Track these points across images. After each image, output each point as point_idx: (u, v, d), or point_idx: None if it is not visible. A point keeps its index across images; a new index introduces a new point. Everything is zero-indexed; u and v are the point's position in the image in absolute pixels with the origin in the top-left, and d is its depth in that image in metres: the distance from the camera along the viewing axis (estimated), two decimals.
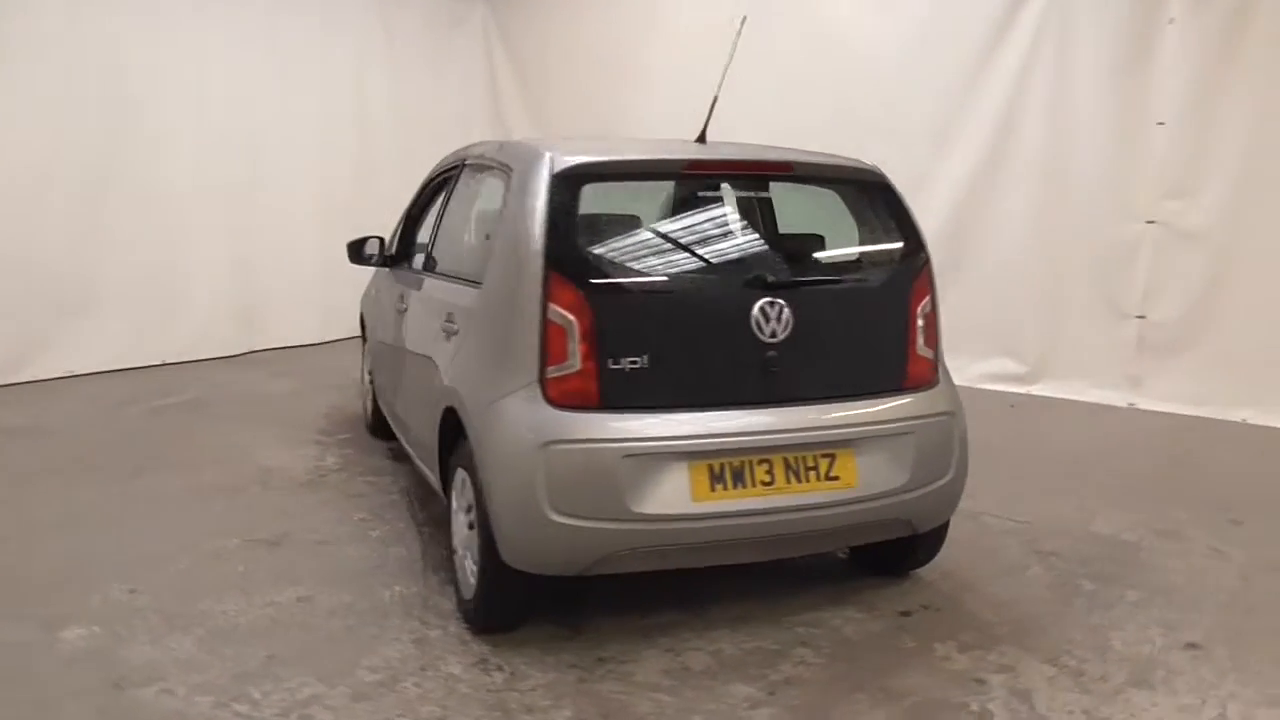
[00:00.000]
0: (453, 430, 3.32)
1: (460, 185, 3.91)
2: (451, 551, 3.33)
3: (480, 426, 2.92)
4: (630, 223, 3.10)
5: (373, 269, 5.44)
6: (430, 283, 3.81)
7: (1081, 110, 6.63)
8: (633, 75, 8.68)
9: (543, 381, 2.84)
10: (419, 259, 4.73)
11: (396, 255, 4.81)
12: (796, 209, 3.48)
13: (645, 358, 2.85)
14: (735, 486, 2.90)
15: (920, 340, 3.24)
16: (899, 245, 3.29)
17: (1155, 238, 6.41)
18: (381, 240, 4.83)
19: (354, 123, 8.68)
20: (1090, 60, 6.56)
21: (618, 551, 2.87)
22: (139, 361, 7.21)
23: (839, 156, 3.40)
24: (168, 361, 7.32)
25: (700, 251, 3.14)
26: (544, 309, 2.84)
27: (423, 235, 4.71)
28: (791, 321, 2.96)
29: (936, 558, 3.62)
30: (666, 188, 3.26)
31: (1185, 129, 6.26)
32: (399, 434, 4.41)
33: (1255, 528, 4.26)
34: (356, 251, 4.83)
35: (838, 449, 3.02)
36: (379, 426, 5.32)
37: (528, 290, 2.87)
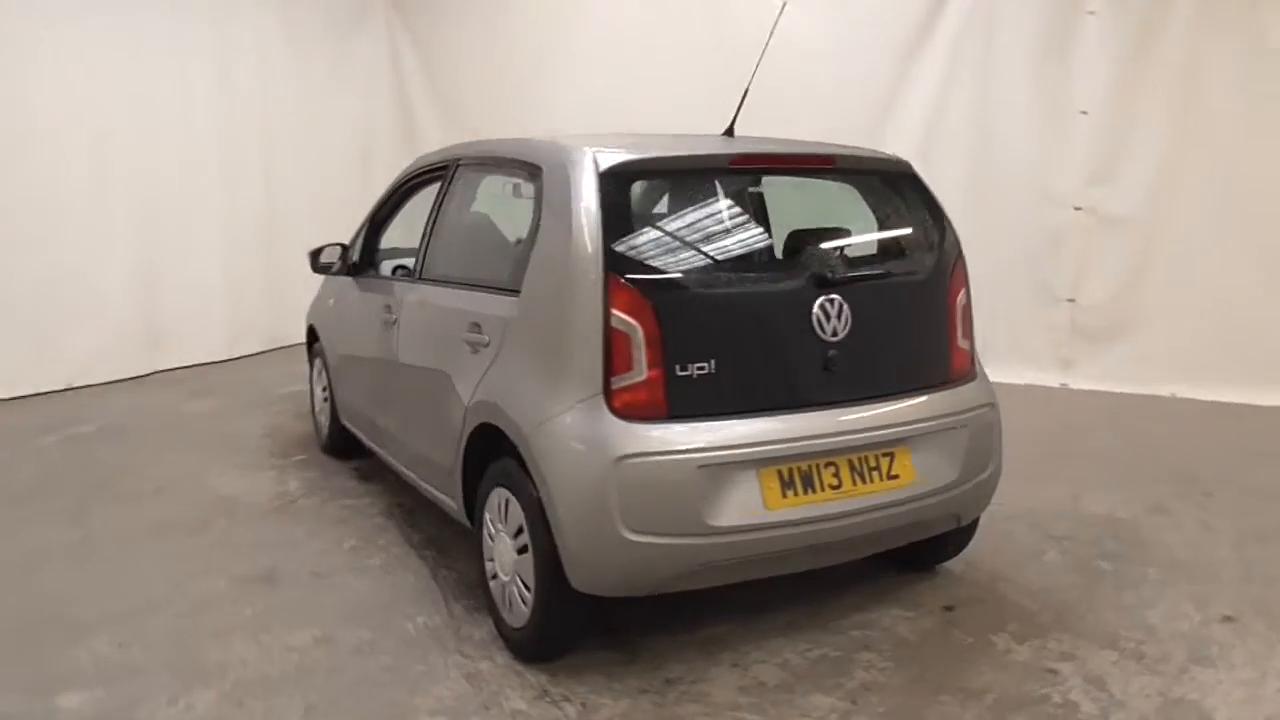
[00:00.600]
0: (483, 449, 3.12)
1: (457, 187, 3.67)
2: (490, 577, 3.11)
3: (539, 444, 2.72)
4: (682, 221, 2.95)
5: (326, 278, 5.13)
6: (434, 291, 3.55)
7: (1008, 101, 6.81)
8: (551, 70, 8.47)
9: (608, 393, 2.67)
10: (402, 266, 4.47)
11: (361, 262, 4.51)
12: (820, 202, 3.40)
13: (712, 363, 2.72)
14: (805, 492, 2.80)
15: (960, 332, 3.22)
16: (936, 237, 3.25)
17: (1083, 224, 6.65)
18: (343, 247, 4.52)
19: (257, 127, 8.16)
20: (1014, 52, 6.75)
21: (692, 568, 2.73)
22: (36, 387, 6.57)
23: (866, 148, 3.34)
24: (72, 386, 6.71)
25: (756, 249, 3.02)
26: (606, 316, 2.67)
27: (399, 241, 4.44)
28: (850, 318, 2.88)
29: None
30: (710, 183, 3.13)
31: (1107, 118, 6.51)
32: (385, 453, 4.12)
33: (1226, 499, 4.43)
34: (315, 259, 4.50)
35: (896, 447, 2.96)
36: (339, 446, 5.00)
37: (585, 297, 2.70)
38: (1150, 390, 6.49)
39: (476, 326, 3.13)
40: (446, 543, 3.91)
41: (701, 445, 2.68)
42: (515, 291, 2.98)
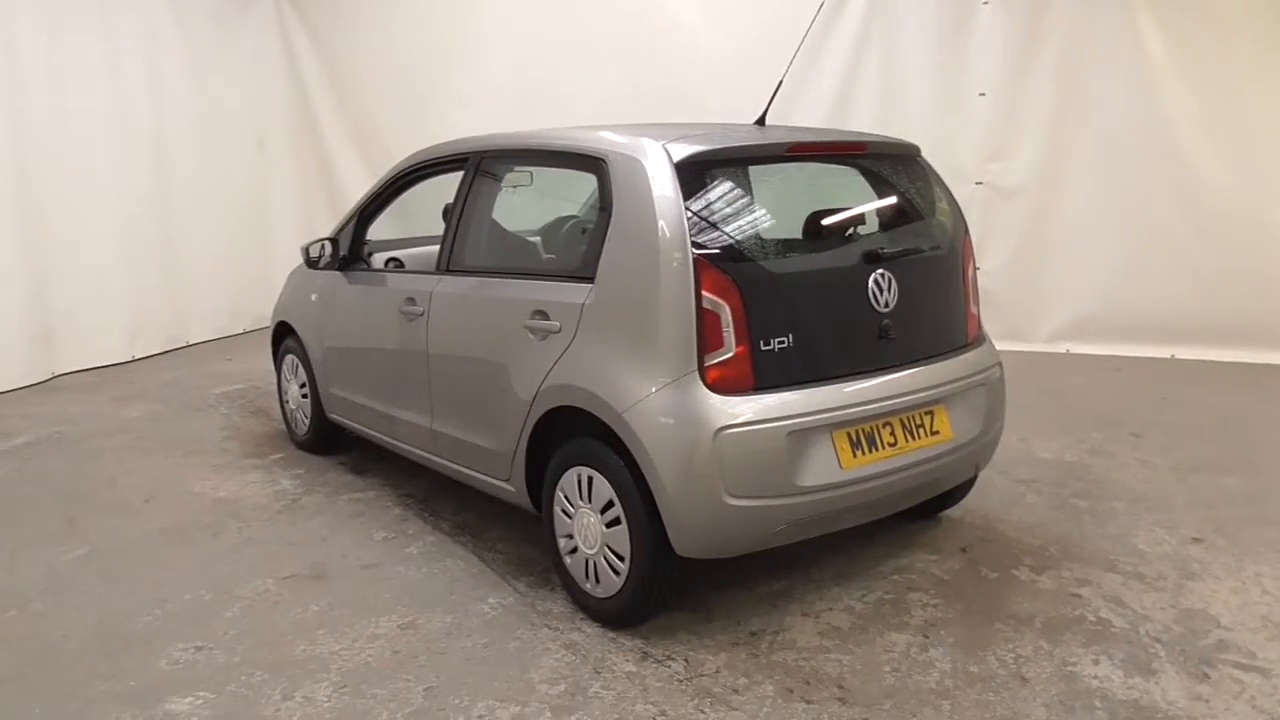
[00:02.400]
0: (552, 432, 3.25)
1: (484, 180, 3.73)
2: (568, 553, 3.25)
3: (638, 422, 2.89)
4: (750, 206, 3.15)
5: (296, 273, 5.06)
6: (477, 282, 3.61)
7: (911, 85, 7.31)
8: (458, 57, 8.44)
9: (702, 370, 2.86)
10: (394, 259, 4.49)
11: (350, 256, 4.50)
12: (840, 185, 3.67)
13: (790, 336, 2.95)
14: (870, 451, 3.08)
15: (972, 299, 3.57)
16: (949, 213, 3.59)
17: (984, 196, 7.23)
18: (334, 242, 4.49)
19: (148, 116, 7.77)
20: (916, 40, 7.25)
21: (782, 526, 2.97)
22: None
23: (880, 135, 3.63)
24: None
25: (818, 230, 3.26)
26: (697, 298, 2.85)
27: (385, 232, 4.46)
28: (898, 291, 3.17)
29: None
30: (770, 170, 3.34)
31: (1002, 99, 7.10)
32: (403, 445, 4.15)
33: (1153, 439, 5.02)
34: (308, 255, 4.47)
35: (935, 406, 3.28)
36: (321, 441, 4.96)
37: (674, 281, 2.88)
38: (1046, 348, 7.17)
39: (542, 314, 3.24)
40: (478, 527, 4.00)
41: (788, 413, 2.91)
42: (588, 278, 3.11)
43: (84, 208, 7.23)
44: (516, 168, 3.73)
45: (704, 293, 2.86)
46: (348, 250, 4.49)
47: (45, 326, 7.01)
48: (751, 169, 3.29)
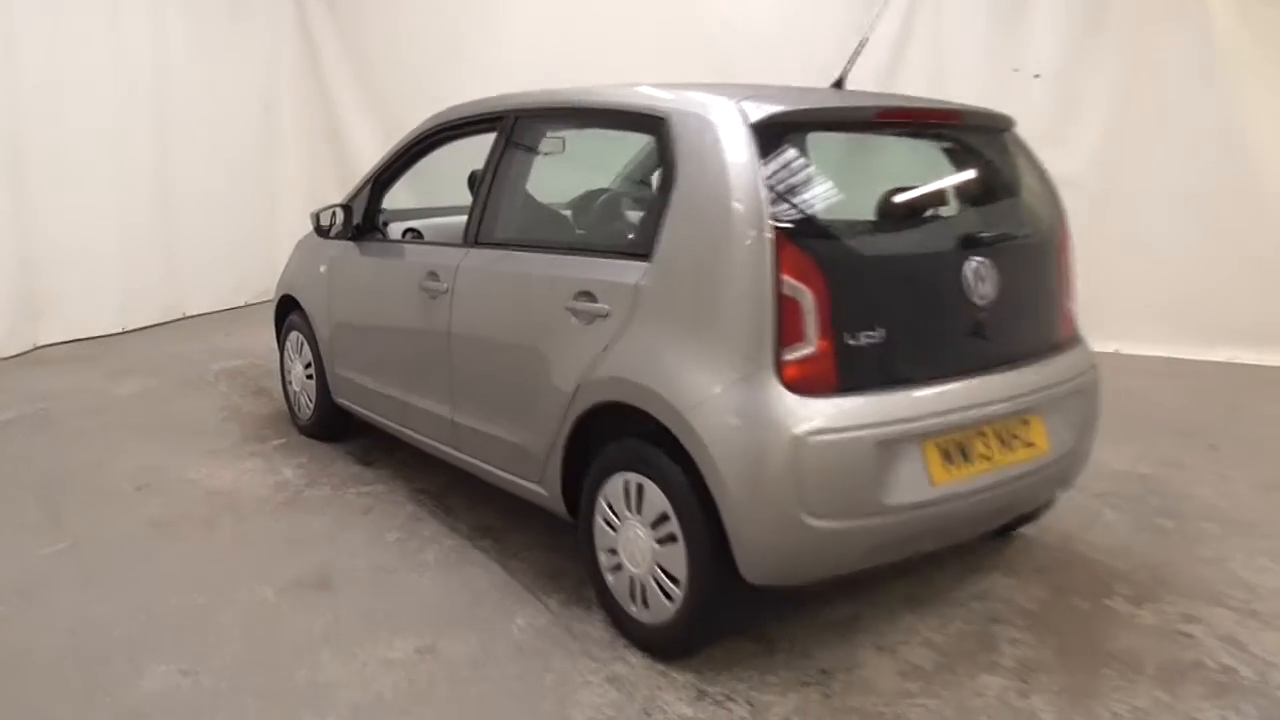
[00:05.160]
0: (596, 430, 2.85)
1: (521, 142, 3.31)
2: (610, 569, 2.85)
3: (703, 424, 2.48)
4: (834, 177, 2.73)
5: (304, 242, 4.64)
6: (511, 257, 3.18)
7: (960, 65, 6.86)
8: (477, 23, 8.00)
9: (778, 365, 2.45)
10: (412, 229, 4.07)
11: (365, 225, 4.08)
12: (912, 158, 3.25)
13: (878, 330, 2.54)
14: (963, 464, 2.67)
15: (1069, 293, 3.16)
16: (1046, 194, 3.17)
17: None
18: (346, 209, 4.06)
19: (149, 74, 7.32)
20: (967, 15, 6.81)
21: (866, 550, 2.57)
22: None
23: (972, 105, 3.21)
24: None
25: (910, 208, 2.85)
26: (777, 281, 2.44)
27: (400, 200, 4.04)
28: (997, 281, 2.76)
29: None
30: (856, 138, 2.92)
31: (1059, 82, 6.65)
32: (419, 435, 3.74)
33: (1231, 452, 4.61)
34: (318, 223, 4.06)
35: (1032, 414, 2.87)
36: (326, 428, 4.56)
37: (749, 261, 2.46)
38: (1096, 347, 6.70)
39: (587, 295, 2.82)
40: (500, 530, 3.60)
41: (878, 419, 2.50)
42: (643, 256, 2.69)
43: (76, 168, 6.79)
44: (559, 129, 3.30)
45: (783, 276, 2.44)
46: (361, 218, 4.07)
47: (29, 293, 6.58)
48: (834, 136, 2.87)
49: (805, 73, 6.83)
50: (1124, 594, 3.17)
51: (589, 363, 2.80)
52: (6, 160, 6.28)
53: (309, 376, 4.53)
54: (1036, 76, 6.68)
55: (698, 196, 2.59)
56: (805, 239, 2.50)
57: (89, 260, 6.96)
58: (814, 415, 2.44)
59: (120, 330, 7.22)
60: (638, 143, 3.83)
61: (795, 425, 2.42)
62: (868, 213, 2.82)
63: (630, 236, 2.83)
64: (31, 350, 6.54)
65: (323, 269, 4.29)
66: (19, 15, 6.26)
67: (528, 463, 3.13)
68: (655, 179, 3.86)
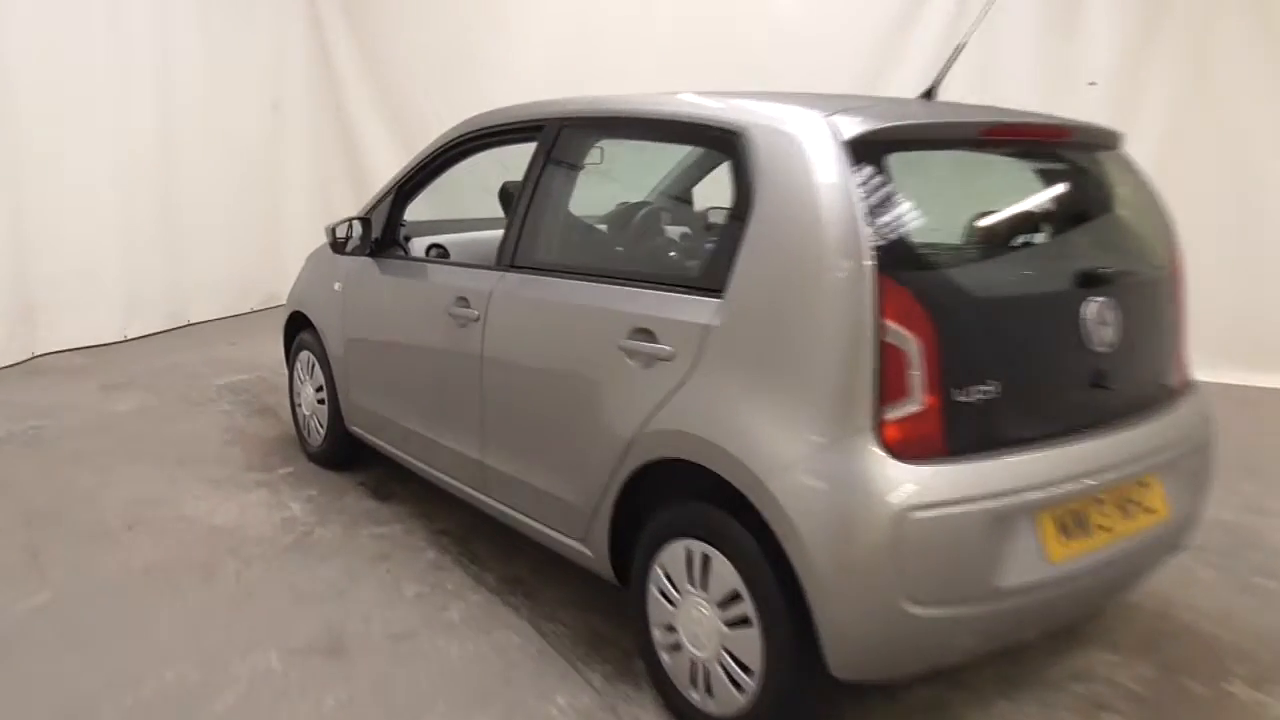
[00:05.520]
0: (651, 487, 2.49)
1: (565, 154, 2.94)
2: (667, 647, 2.48)
3: (787, 492, 2.11)
4: (936, 203, 2.37)
5: (316, 254, 4.28)
6: (557, 285, 2.80)
7: (1011, 71, 6.49)
8: (498, 21, 7.64)
9: (878, 425, 2.08)
10: (437, 245, 3.71)
11: (385, 240, 3.72)
12: (1006, 180, 2.88)
13: (992, 383, 2.17)
14: (1081, 536, 2.30)
15: (1183, 334, 2.79)
16: (1160, 219, 2.80)
17: None
18: (365, 222, 3.70)
19: (152, 69, 6.96)
20: (1017, 18, 6.42)
21: (971, 641, 2.20)
22: None
23: (1075, 119, 2.84)
24: None
25: (1020, 240, 2.48)
26: (878, 326, 2.07)
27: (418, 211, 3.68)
28: (1120, 324, 2.39)
29: None
30: (959, 158, 2.55)
31: (1115, 90, 6.28)
32: (443, 476, 3.38)
33: None
34: (334, 237, 3.70)
35: (1151, 475, 2.50)
36: (337, 456, 4.20)
37: (845, 301, 2.09)
38: None
39: (646, 334, 2.45)
40: (532, 584, 3.23)
41: (991, 489, 2.13)
42: (715, 291, 2.33)
43: (75, 168, 6.45)
44: (611, 141, 2.93)
45: (886, 320, 2.08)
46: (381, 232, 3.70)
47: (26, 299, 6.23)
48: (933, 155, 2.49)
49: (852, 78, 6.56)
50: (1243, 675, 2.79)
51: (647, 412, 2.43)
52: (3, 160, 5.93)
53: (320, 401, 4.17)
54: (1092, 84, 6.30)
55: (781, 224, 2.23)
56: (910, 276, 2.13)
57: (90, 266, 6.62)
58: (919, 485, 2.07)
59: (122, 339, 6.87)
60: (672, 153, 3.47)
61: (897, 497, 2.05)
62: (973, 244, 2.45)
63: (697, 266, 2.47)
64: (30, 359, 6.19)
65: (337, 286, 3.92)
66: (16, 11, 5.91)
67: (570, 518, 2.76)
68: (694, 193, 3.57)
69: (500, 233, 3.36)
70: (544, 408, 2.81)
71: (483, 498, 3.17)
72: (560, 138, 2.94)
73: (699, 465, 2.31)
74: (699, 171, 3.45)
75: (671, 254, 2.84)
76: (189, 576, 3.26)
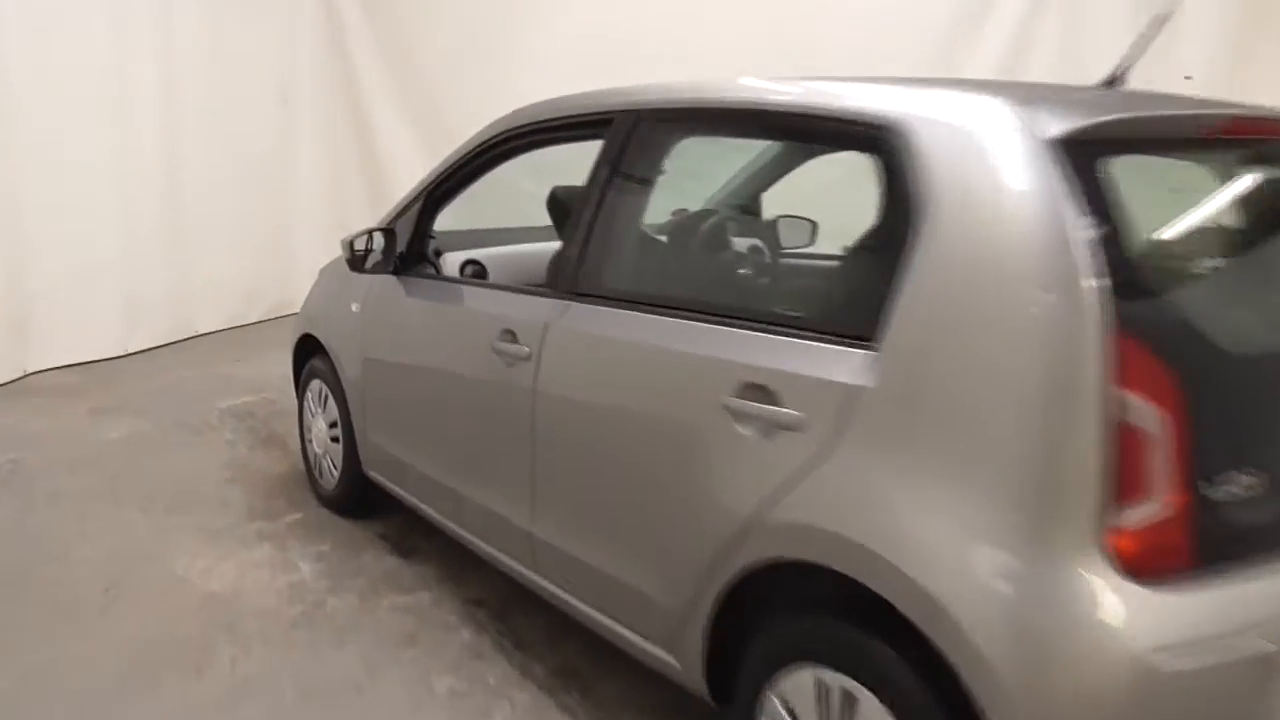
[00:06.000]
0: (758, 591, 1.91)
1: (643, 155, 2.36)
2: None
3: (978, 622, 1.53)
4: (1169, 226, 1.79)
5: (329, 270, 3.73)
6: (639, 321, 2.21)
7: (1097, 61, 5.85)
8: (528, 8, 7.05)
9: (1106, 533, 1.50)
10: (474, 262, 3.15)
11: (410, 254, 3.15)
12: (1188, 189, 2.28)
13: (1261, 474, 1.58)
14: None
15: None
16: None
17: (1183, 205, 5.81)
18: (389, 235, 3.13)
19: (152, 60, 6.38)
20: (1105, 4, 5.83)
21: None
22: None
23: None
24: None
25: (1252, 272, 1.89)
26: (1108, 395, 1.49)
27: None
28: None
29: None
30: (1187, 163, 1.97)
31: (1214, 85, 5.66)
32: (479, 541, 2.81)
33: None
34: (353, 252, 3.13)
35: None
36: (352, 501, 3.63)
37: (1060, 360, 1.52)
38: None
39: (762, 392, 1.87)
40: (588, 676, 2.66)
41: (1259, 617, 1.54)
42: (863, 339, 1.74)
43: (71, 168, 5.87)
44: (706, 138, 2.34)
45: (1119, 387, 1.49)
46: (407, 246, 3.13)
47: (18, 312, 5.67)
48: (1153, 160, 1.91)
49: (917, 62, 5.96)
50: None
51: (765, 495, 1.85)
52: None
53: (334, 439, 3.61)
54: (1188, 79, 5.68)
55: (964, 251, 1.64)
56: (1149, 325, 1.55)
57: (88, 273, 6.06)
58: (1167, 619, 1.49)
59: (122, 353, 6.31)
60: (744, 151, 2.87)
61: (1139, 637, 1.47)
62: (1222, 280, 1.85)
63: (836, 304, 1.89)
64: (22, 378, 5.64)
65: (355, 307, 3.35)
66: (7, 2, 5.36)
67: (650, 617, 2.18)
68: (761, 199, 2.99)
69: (547, 245, 2.80)
70: (617, 475, 2.23)
71: (530, 574, 2.59)
72: (636, 134, 2.35)
73: (836, 572, 1.73)
74: (777, 173, 2.86)
75: (795, 285, 2.24)
76: (174, 663, 2.69)
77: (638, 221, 2.40)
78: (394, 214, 3.22)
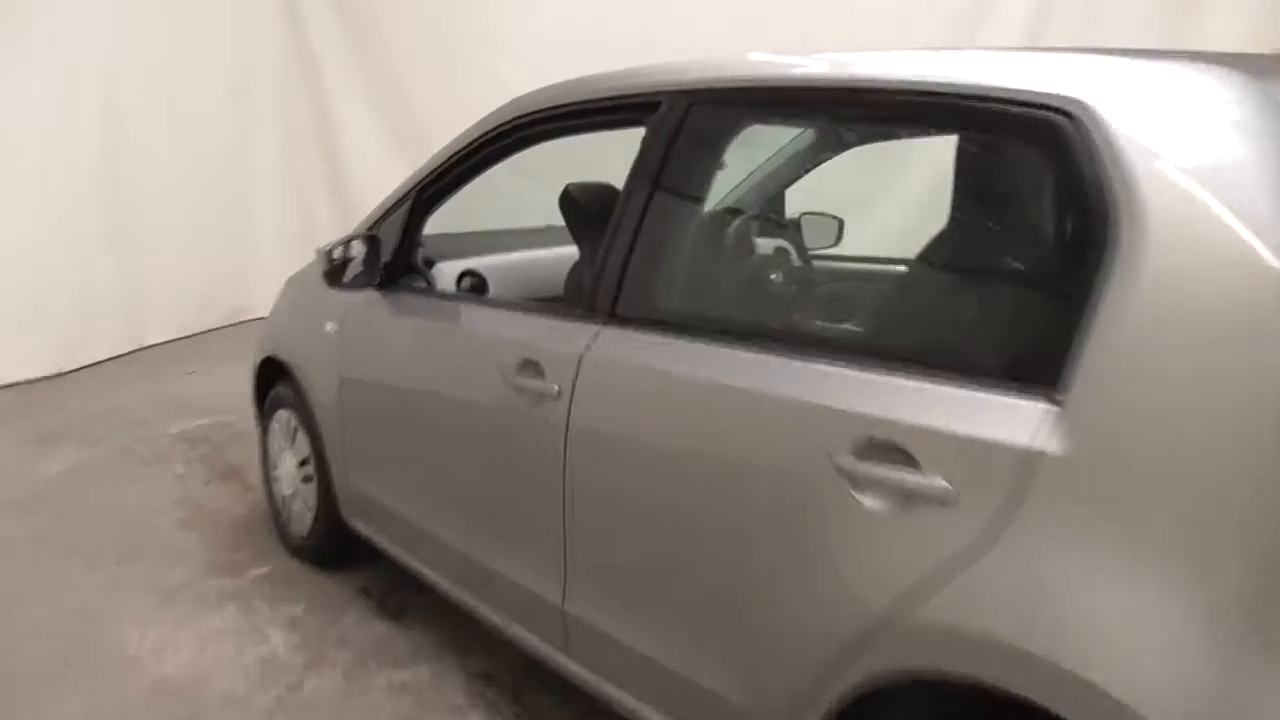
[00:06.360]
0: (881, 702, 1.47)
1: (699, 146, 1.91)
2: None
3: None
4: None
5: (296, 282, 3.24)
6: (706, 354, 1.75)
7: (1124, 45, 5.53)
8: None
9: None
10: (471, 273, 2.69)
11: (396, 265, 2.67)
12: None
13: None
14: None
15: None
16: None
17: None
18: (372, 242, 2.63)
19: (98, 52, 5.82)
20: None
21: None
22: None
23: None
24: None
25: None
26: None
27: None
28: None
29: None
30: None
31: None
32: (507, 621, 2.33)
33: None
34: (332, 264, 2.63)
35: None
36: (327, 550, 3.15)
37: None
38: None
39: (895, 452, 1.42)
40: None
41: None
42: (1042, 387, 1.31)
43: (3, 166, 5.33)
44: (789, 127, 1.89)
45: None
46: (393, 255, 2.65)
47: None
48: None
49: (930, 29, 5.57)
50: None
51: (900, 589, 1.40)
52: None
53: (306, 479, 3.12)
54: None
55: (1188, 267, 1.22)
56: None
57: (26, 285, 5.51)
58: None
59: (69, 369, 5.75)
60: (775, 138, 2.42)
61: None
62: None
63: (994, 339, 1.45)
64: None
65: (330, 328, 2.86)
66: None
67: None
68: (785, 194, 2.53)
69: (555, 253, 2.36)
70: (685, 548, 1.78)
71: (561, 658, 2.14)
72: (689, 121, 1.89)
73: (1008, 692, 1.30)
74: (808, 162, 2.42)
75: (933, 311, 1.75)
76: None
77: (701, 229, 1.95)
78: (377, 217, 2.74)
